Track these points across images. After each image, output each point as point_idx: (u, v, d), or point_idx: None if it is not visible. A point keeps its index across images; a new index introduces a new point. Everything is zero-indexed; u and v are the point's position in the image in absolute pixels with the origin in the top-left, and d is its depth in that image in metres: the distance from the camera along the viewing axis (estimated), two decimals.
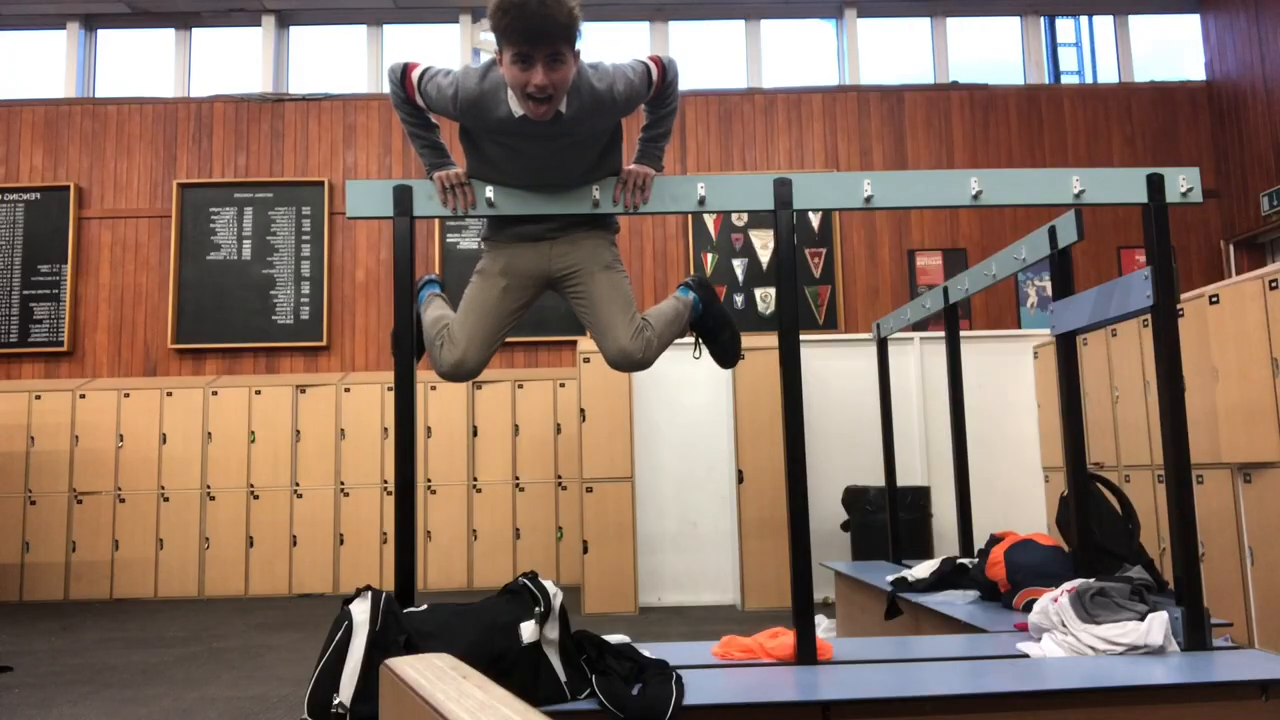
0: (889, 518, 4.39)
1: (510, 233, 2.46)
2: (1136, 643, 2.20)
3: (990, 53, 8.00)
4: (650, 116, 2.44)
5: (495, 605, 2.01)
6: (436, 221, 7.15)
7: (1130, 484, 4.47)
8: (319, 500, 6.48)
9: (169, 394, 6.59)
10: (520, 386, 6.62)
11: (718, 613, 5.38)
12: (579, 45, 2.10)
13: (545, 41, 2.01)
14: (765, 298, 7.26)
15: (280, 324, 7.19)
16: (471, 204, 2.38)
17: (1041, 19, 7.92)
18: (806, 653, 2.23)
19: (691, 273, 7.24)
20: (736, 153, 7.48)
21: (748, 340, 5.84)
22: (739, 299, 7.25)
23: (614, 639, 2.18)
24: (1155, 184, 2.42)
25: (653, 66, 2.26)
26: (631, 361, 2.40)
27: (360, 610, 1.92)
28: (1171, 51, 7.99)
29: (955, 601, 3.10)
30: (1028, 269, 3.82)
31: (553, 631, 1.94)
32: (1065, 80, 7.84)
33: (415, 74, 2.32)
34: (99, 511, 6.45)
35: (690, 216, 7.26)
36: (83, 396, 6.59)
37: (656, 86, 2.29)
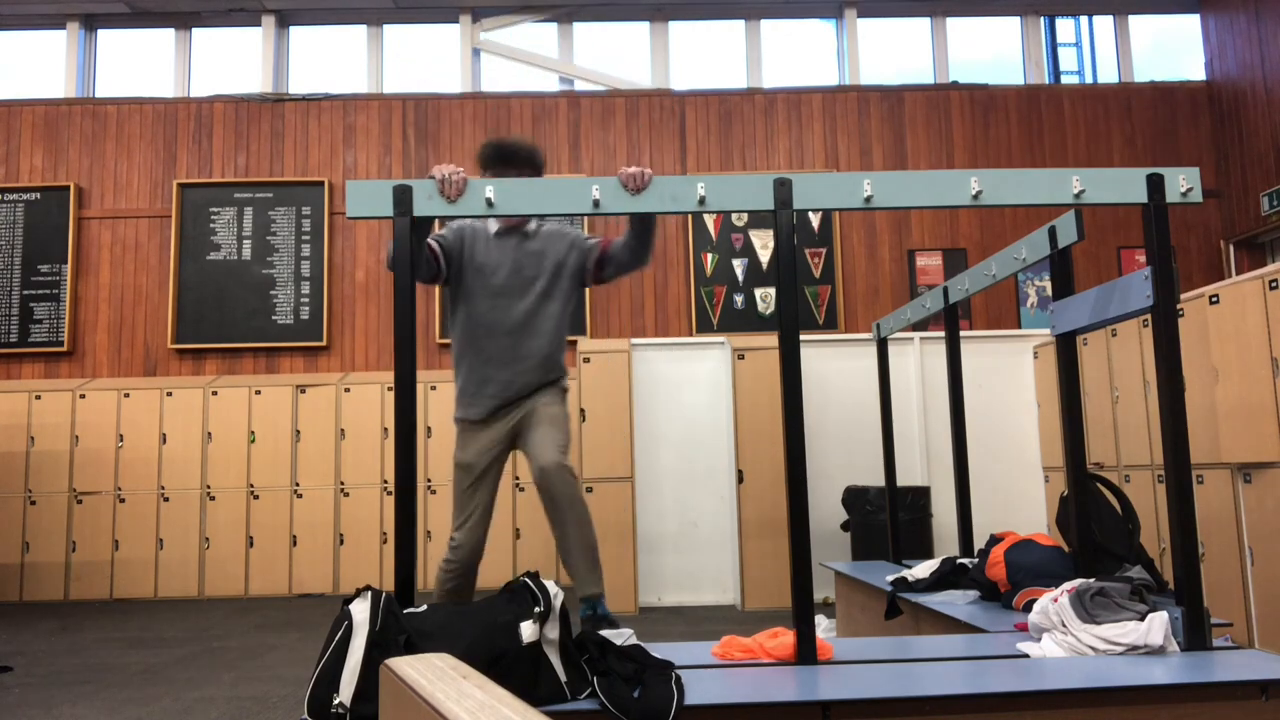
0: (889, 518, 4.39)
1: (476, 411, 2.91)
2: (1136, 643, 2.20)
3: (990, 53, 8.00)
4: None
5: (495, 605, 2.01)
6: (436, 222, 7.14)
7: (1130, 484, 4.47)
8: (319, 500, 6.48)
9: (169, 394, 6.59)
10: None
11: (718, 613, 5.38)
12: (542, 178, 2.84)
13: (513, 164, 2.89)
14: (765, 298, 7.26)
15: (280, 324, 7.19)
16: (461, 191, 2.42)
17: (1041, 19, 7.93)
18: (806, 653, 2.23)
19: (693, 274, 7.24)
20: (736, 153, 7.48)
21: (749, 340, 5.85)
22: (739, 299, 7.25)
23: (619, 635, 2.18)
24: (1155, 184, 2.42)
25: (601, 245, 2.97)
26: (550, 476, 2.76)
27: (360, 610, 1.92)
28: (1171, 51, 7.99)
29: (955, 601, 3.10)
30: (1028, 269, 3.82)
31: (553, 631, 1.94)
32: (1065, 80, 7.84)
33: (432, 239, 2.97)
34: (99, 511, 6.45)
35: (690, 216, 7.26)
36: (83, 396, 6.59)
37: (600, 249, 2.94)
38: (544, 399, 2.90)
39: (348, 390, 6.61)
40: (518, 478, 6.50)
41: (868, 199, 2.43)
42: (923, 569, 3.50)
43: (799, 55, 7.94)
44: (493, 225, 2.92)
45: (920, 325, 5.05)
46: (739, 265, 7.28)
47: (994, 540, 3.16)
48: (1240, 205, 7.24)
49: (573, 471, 2.79)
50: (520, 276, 2.88)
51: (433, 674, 0.97)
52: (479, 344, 2.89)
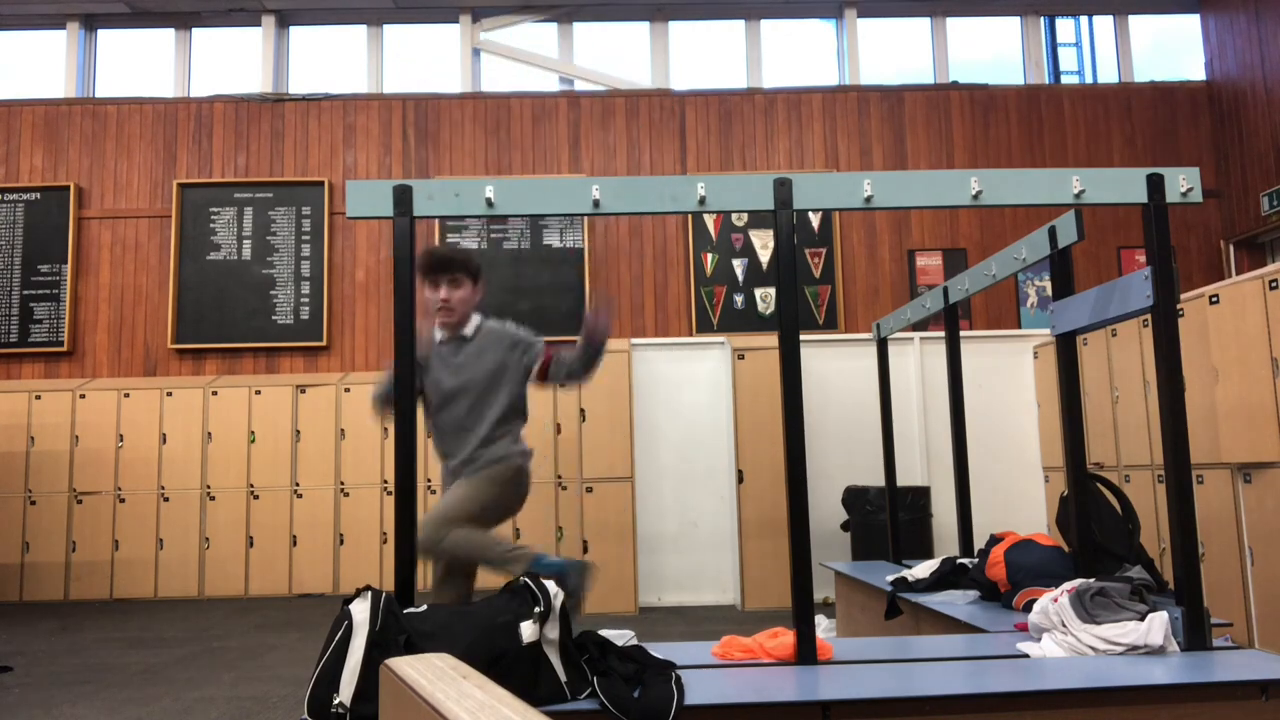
0: (889, 518, 4.39)
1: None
2: (1136, 643, 2.21)
3: (990, 53, 8.00)
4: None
5: (495, 605, 2.01)
6: (436, 221, 7.16)
7: (1130, 484, 4.47)
8: (319, 500, 6.48)
9: (169, 394, 6.59)
10: None
11: (718, 613, 5.38)
12: (479, 285, 3.10)
13: (446, 269, 3.02)
14: (765, 298, 7.26)
15: (280, 324, 7.19)
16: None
17: (1041, 19, 7.92)
18: (806, 653, 2.23)
19: (693, 274, 7.24)
20: (736, 153, 7.48)
21: (749, 340, 5.86)
22: (739, 299, 7.25)
23: (619, 636, 2.18)
24: (1155, 184, 2.42)
25: (545, 355, 3.09)
26: (422, 551, 2.79)
27: (360, 610, 1.92)
28: (1171, 51, 7.99)
29: (955, 601, 3.10)
30: (1028, 269, 3.82)
31: (553, 631, 1.94)
32: (1065, 80, 7.84)
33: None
34: (99, 511, 6.45)
35: (690, 216, 7.26)
36: (83, 396, 6.59)
37: (544, 359, 3.06)
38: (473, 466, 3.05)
39: (348, 390, 6.61)
40: None
41: (868, 199, 2.43)
42: (923, 569, 3.50)
43: (799, 55, 7.94)
44: (438, 334, 3.09)
45: (920, 325, 5.06)
46: (739, 265, 7.28)
47: (994, 540, 3.16)
48: (1240, 205, 7.24)
49: (431, 539, 2.81)
50: (458, 381, 3.03)
51: (433, 674, 0.97)
52: (437, 434, 3.14)
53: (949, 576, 3.34)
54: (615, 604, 5.40)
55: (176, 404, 6.58)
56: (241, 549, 6.42)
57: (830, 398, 5.78)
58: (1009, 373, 5.81)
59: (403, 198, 2.37)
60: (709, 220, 7.30)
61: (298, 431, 6.55)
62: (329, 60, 7.83)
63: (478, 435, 3.01)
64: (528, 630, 1.91)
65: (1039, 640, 2.35)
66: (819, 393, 5.76)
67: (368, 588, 1.97)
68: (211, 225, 7.28)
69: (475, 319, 3.11)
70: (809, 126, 7.52)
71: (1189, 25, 7.85)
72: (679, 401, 5.84)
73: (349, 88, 7.63)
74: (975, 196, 2.43)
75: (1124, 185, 2.44)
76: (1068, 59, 7.91)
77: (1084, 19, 7.96)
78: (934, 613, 3.00)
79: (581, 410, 5.55)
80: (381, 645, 1.86)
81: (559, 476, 6.52)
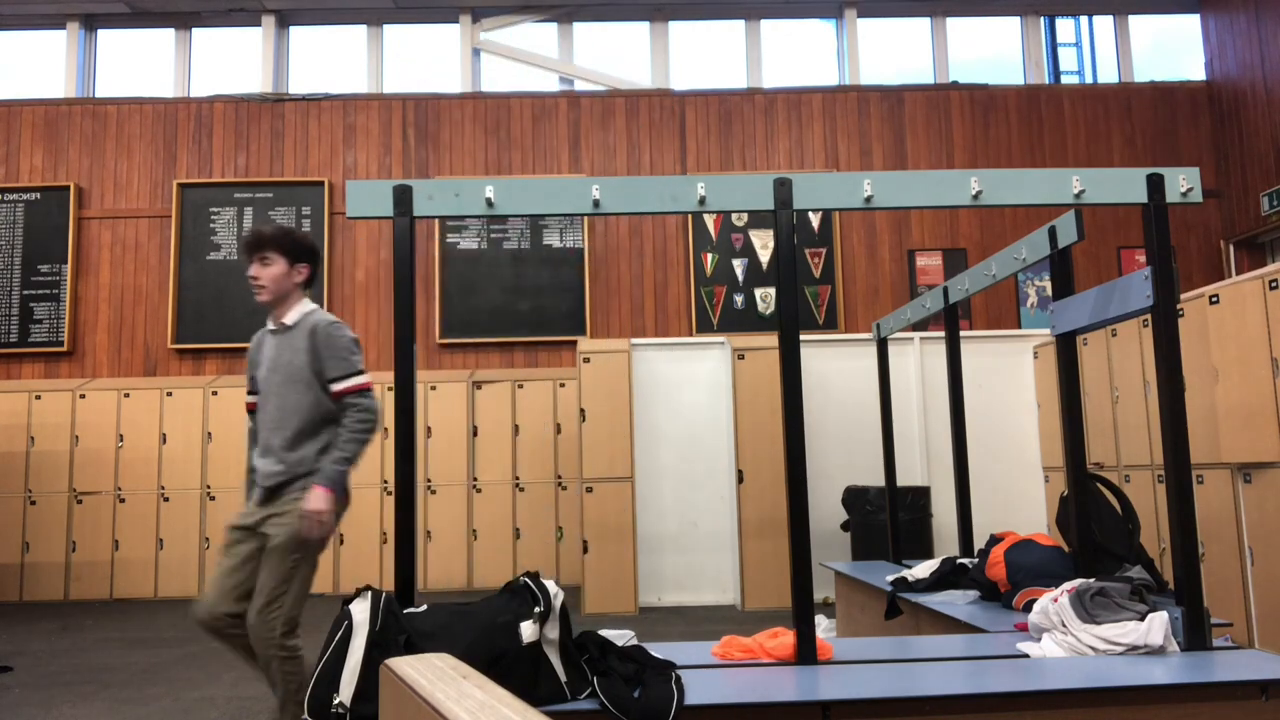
0: (889, 518, 4.39)
1: (250, 499, 2.88)
2: (1136, 643, 2.20)
3: (990, 53, 8.00)
4: (341, 428, 2.84)
5: (495, 605, 2.01)
6: (436, 221, 7.16)
7: (1130, 484, 4.47)
8: None
9: (169, 394, 6.59)
10: (520, 386, 6.62)
11: (718, 613, 5.38)
12: (300, 266, 2.87)
13: (258, 247, 2.84)
14: (765, 298, 7.26)
15: None
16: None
17: (1041, 19, 7.93)
18: (806, 653, 2.23)
19: (692, 270, 7.23)
20: (736, 153, 7.48)
21: (749, 340, 5.86)
22: (739, 299, 7.25)
23: (620, 636, 2.18)
24: (1155, 184, 2.42)
25: (357, 381, 2.84)
26: (250, 630, 2.65)
27: (360, 610, 1.92)
28: (1171, 51, 7.99)
29: (955, 601, 3.10)
30: (1028, 269, 3.82)
31: (553, 631, 1.94)
32: (1065, 80, 7.84)
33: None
34: (99, 511, 6.45)
35: (690, 216, 7.26)
36: (83, 396, 6.59)
37: (343, 390, 2.81)
38: (280, 517, 2.80)
39: None
40: (518, 478, 6.51)
41: (868, 199, 2.43)
42: (923, 569, 3.50)
43: (799, 55, 7.94)
44: (270, 321, 2.89)
45: (920, 325, 5.06)
46: (739, 265, 7.28)
47: (994, 540, 3.16)
48: (1240, 205, 7.24)
49: (270, 624, 2.65)
50: (273, 372, 2.83)
51: (433, 674, 0.97)
52: (254, 435, 2.91)
53: (949, 576, 3.34)
54: (615, 604, 5.40)
55: (176, 404, 6.57)
56: None
57: (830, 398, 5.78)
58: (1009, 373, 5.81)
59: (403, 198, 2.37)
60: (709, 220, 7.31)
61: None
62: (329, 60, 7.83)
63: (282, 436, 2.81)
64: (528, 630, 1.91)
65: (1039, 640, 2.35)
66: (819, 393, 5.76)
67: (368, 588, 1.97)
68: (211, 225, 7.28)
69: (303, 309, 2.86)
70: (809, 126, 7.52)
71: (1189, 25, 7.85)
72: (679, 401, 5.84)
73: (349, 88, 7.63)
74: (975, 196, 2.43)
75: (1124, 185, 2.45)
76: (1068, 59, 7.91)
77: (1084, 19, 7.97)
78: (934, 613, 3.00)
79: (581, 410, 5.55)
80: (381, 645, 1.86)
81: (559, 476, 6.52)
